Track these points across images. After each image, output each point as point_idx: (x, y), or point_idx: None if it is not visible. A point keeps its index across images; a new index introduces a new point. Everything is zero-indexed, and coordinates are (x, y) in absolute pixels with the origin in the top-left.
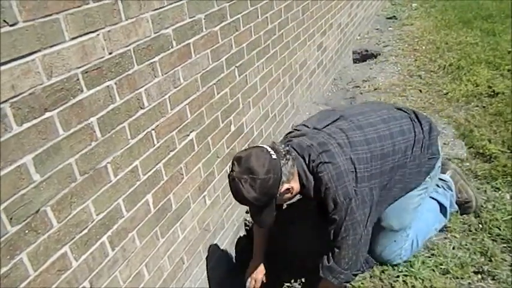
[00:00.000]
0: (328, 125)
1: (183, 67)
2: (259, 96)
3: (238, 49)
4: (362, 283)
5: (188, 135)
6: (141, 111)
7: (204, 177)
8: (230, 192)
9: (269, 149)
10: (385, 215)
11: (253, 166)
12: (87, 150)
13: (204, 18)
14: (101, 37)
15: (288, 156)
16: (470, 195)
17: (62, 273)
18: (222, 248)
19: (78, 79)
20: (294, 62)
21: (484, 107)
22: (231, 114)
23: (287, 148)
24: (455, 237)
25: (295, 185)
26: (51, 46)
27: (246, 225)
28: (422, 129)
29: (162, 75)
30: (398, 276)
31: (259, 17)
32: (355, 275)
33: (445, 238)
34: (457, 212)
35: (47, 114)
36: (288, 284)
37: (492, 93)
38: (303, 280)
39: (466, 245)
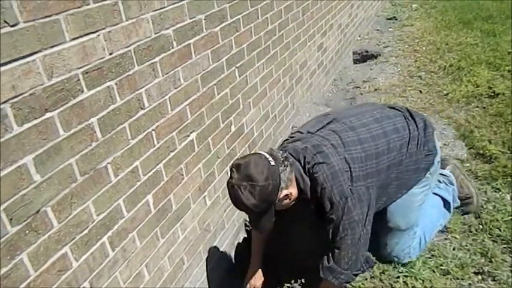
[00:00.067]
0: (321, 129)
1: (184, 67)
2: (259, 96)
3: (238, 50)
4: (362, 283)
5: (188, 135)
6: (142, 112)
7: (204, 177)
8: None
9: (267, 156)
10: (391, 216)
11: (252, 173)
12: (88, 151)
13: (205, 19)
14: (102, 37)
15: (286, 162)
16: (472, 191)
17: (62, 273)
18: (222, 249)
19: (78, 79)
20: (294, 63)
21: (484, 107)
22: (232, 114)
23: (285, 154)
24: (455, 238)
25: (294, 191)
26: (51, 46)
27: (246, 225)
28: (416, 126)
29: (163, 75)
30: (398, 277)
31: (260, 17)
32: (356, 275)
33: (446, 239)
34: (458, 208)
35: (48, 115)
36: (288, 285)
37: (492, 94)
38: (303, 281)
39: (467, 245)
